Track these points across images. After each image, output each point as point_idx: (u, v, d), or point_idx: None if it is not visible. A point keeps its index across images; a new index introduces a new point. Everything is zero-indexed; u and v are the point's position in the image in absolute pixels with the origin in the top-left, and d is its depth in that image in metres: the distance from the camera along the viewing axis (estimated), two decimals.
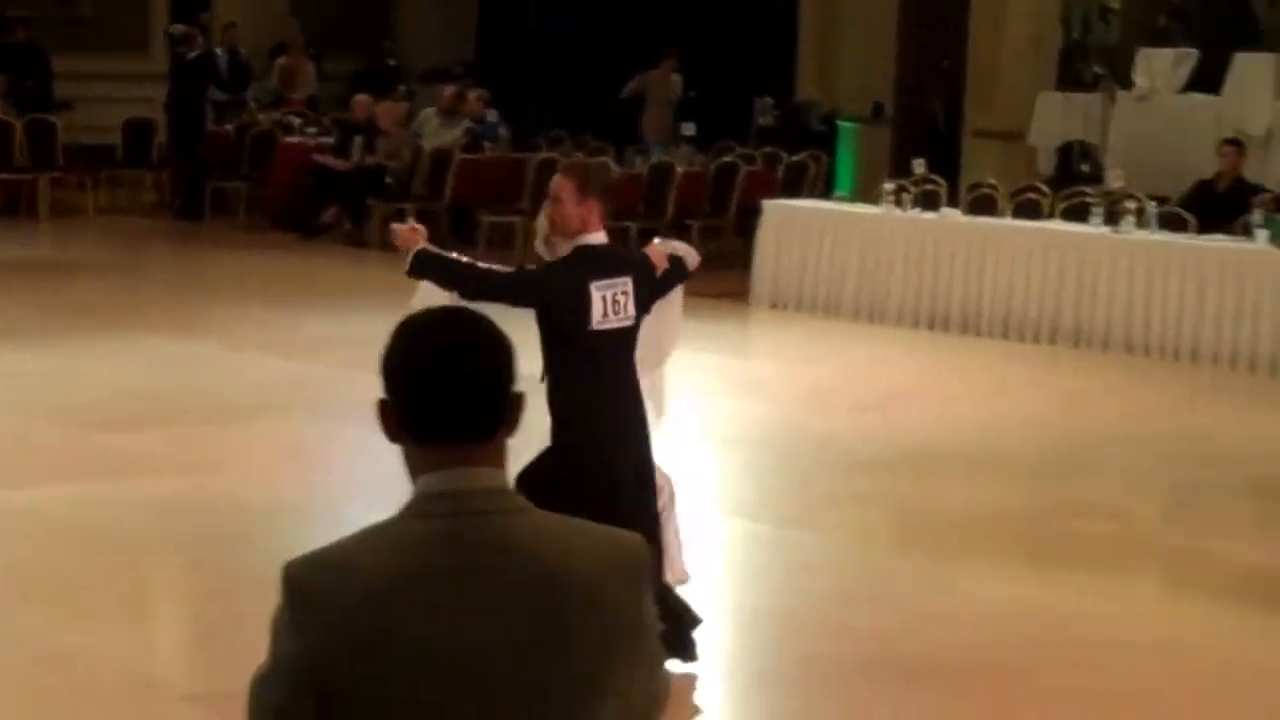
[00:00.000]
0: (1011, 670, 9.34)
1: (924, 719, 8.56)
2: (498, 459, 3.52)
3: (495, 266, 8.63)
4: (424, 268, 8.43)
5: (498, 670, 3.41)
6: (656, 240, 9.33)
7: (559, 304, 8.30)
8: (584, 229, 8.46)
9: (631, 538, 3.62)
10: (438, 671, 3.40)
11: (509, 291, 8.30)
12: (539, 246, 9.12)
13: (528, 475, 7.71)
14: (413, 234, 8.63)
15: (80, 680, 8.70)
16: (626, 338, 8.51)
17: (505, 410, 3.52)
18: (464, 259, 8.73)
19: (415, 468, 3.51)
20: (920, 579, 10.72)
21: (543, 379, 8.29)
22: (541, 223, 9.05)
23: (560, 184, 8.55)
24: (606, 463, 8.40)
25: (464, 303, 7.75)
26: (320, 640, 3.39)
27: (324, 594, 3.41)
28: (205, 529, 10.92)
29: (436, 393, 3.48)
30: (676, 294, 9.10)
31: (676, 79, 27.88)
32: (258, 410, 13.99)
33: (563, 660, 3.46)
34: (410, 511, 3.49)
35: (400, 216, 23.58)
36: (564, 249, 8.55)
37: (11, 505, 11.46)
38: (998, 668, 9.37)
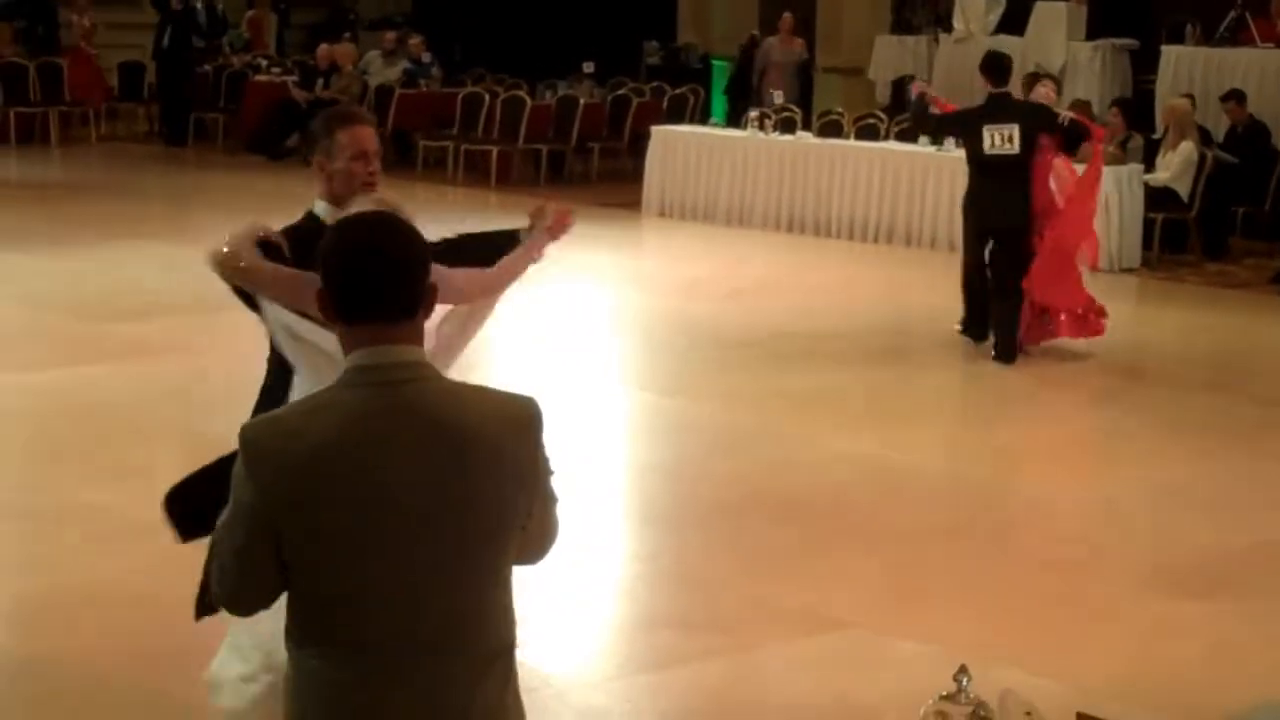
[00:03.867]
0: (850, 508, 9.48)
1: (780, 548, 8.66)
2: (416, 337, 3.53)
3: None
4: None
5: (418, 513, 3.44)
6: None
7: None
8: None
9: (525, 398, 3.64)
10: (365, 516, 3.42)
11: None
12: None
13: None
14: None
15: (97, 526, 8.75)
16: None
17: (421, 296, 3.54)
18: None
19: (347, 345, 3.52)
20: (778, 436, 10.84)
21: None
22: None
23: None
24: None
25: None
26: (269, 491, 3.41)
27: (272, 452, 3.43)
28: (195, 400, 10.96)
29: (361, 281, 3.49)
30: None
31: (799, 43, 24.64)
32: (236, 303, 13.94)
33: (472, 502, 3.49)
34: (343, 382, 3.50)
35: None
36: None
37: (35, 384, 11.48)
38: (839, 506, 9.50)
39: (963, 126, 13.56)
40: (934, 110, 14.20)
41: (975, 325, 13.30)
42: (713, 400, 11.66)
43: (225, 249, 5.28)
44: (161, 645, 7.01)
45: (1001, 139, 12.99)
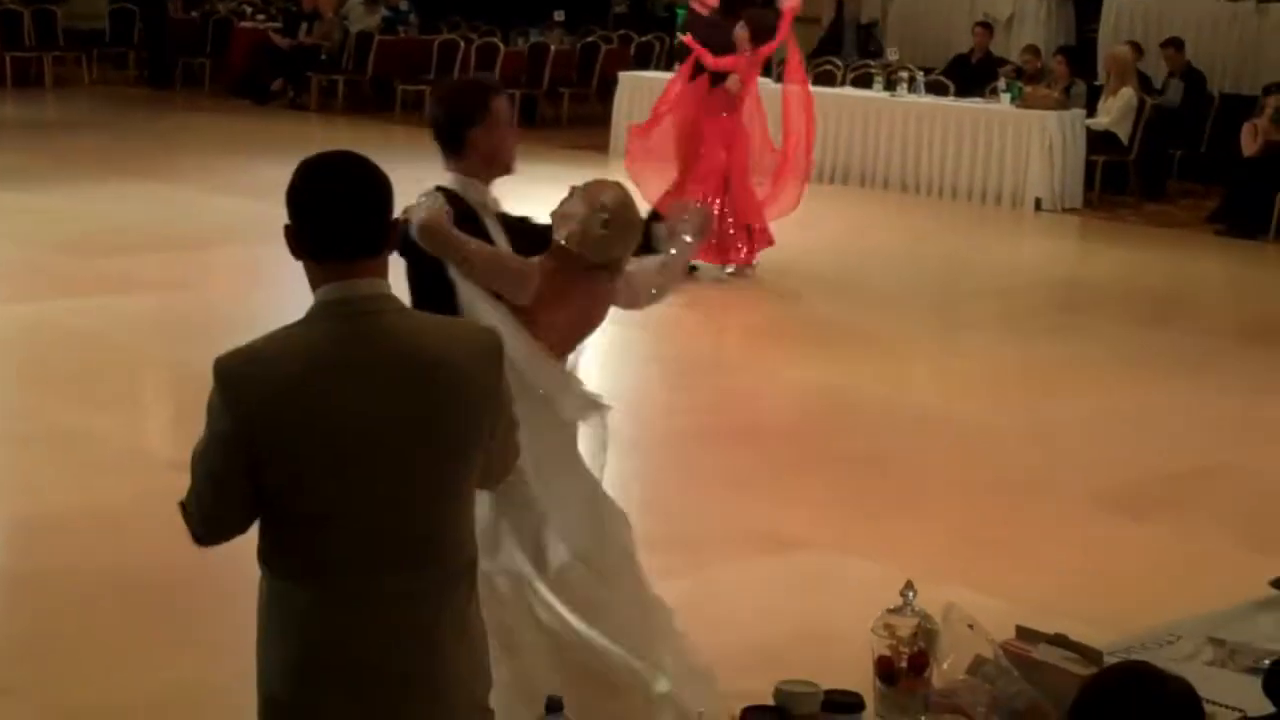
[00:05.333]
0: (806, 434, 9.49)
1: (737, 472, 8.66)
2: (381, 271, 3.51)
3: None
4: None
5: (385, 436, 3.44)
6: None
7: None
8: None
9: (487, 328, 3.66)
10: (335, 439, 3.42)
11: None
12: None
13: None
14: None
15: (87, 452, 8.74)
16: None
17: (386, 232, 3.52)
18: None
19: (315, 281, 3.49)
20: (736, 367, 10.85)
21: None
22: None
23: None
24: None
25: None
26: (244, 419, 3.39)
27: (246, 382, 3.41)
28: (180, 332, 10.92)
29: (327, 217, 3.47)
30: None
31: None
32: (221, 239, 13.91)
33: (436, 425, 3.49)
34: (312, 315, 3.49)
35: (334, 88, 23.60)
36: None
37: (28, 316, 11.42)
38: (795, 433, 9.52)
39: None
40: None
41: None
42: (675, 333, 11.64)
43: (426, 216, 4.80)
44: (148, 564, 7.02)
45: None
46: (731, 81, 13.11)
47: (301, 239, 3.49)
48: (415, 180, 3.92)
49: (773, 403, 10.04)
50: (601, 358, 11.18)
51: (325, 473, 3.44)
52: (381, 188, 3.53)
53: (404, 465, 3.48)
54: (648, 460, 8.93)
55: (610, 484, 8.63)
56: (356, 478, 3.45)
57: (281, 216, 3.47)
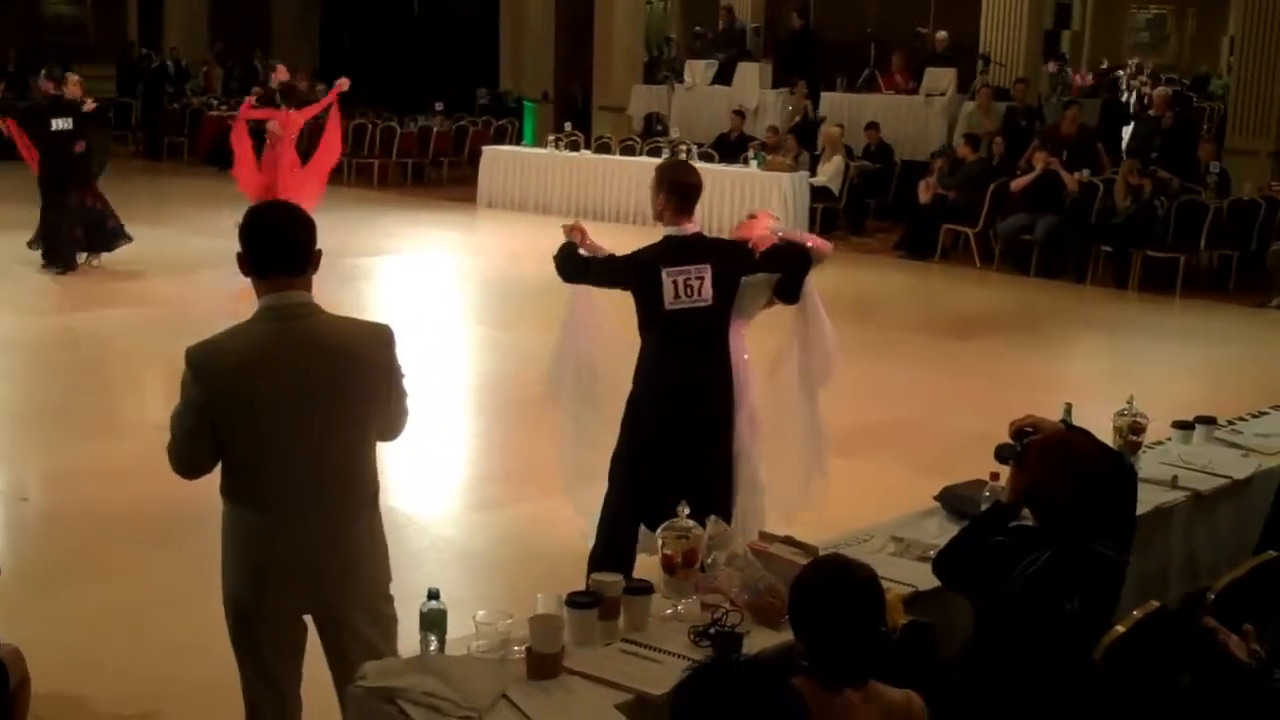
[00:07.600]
0: (618, 399, 9.47)
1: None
2: (307, 286, 3.54)
3: (609, 255, 5.82)
4: (562, 261, 5.85)
5: (308, 403, 3.47)
6: (770, 223, 5.96)
7: (637, 287, 5.65)
8: (662, 219, 5.76)
9: (383, 324, 3.66)
10: (273, 405, 3.45)
11: (596, 277, 5.80)
12: None
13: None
14: (575, 229, 5.91)
15: (97, 419, 8.58)
16: (702, 318, 5.63)
17: (308, 258, 3.54)
18: (589, 256, 5.87)
19: (259, 292, 3.54)
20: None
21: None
22: None
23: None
24: (652, 422, 5.76)
25: None
26: (208, 392, 3.43)
27: (209, 365, 3.45)
28: (169, 334, 10.66)
29: (265, 247, 3.51)
30: (820, 318, 6.26)
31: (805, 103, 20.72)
32: (200, 267, 13.60)
33: (344, 393, 3.51)
34: (256, 317, 3.53)
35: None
36: None
37: (56, 324, 11.19)
38: (614, 399, 9.50)
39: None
40: None
41: None
42: (527, 330, 11.61)
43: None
44: (146, 500, 6.91)
45: None
46: (272, 125, 13.99)
47: (248, 262, 3.53)
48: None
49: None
50: (477, 348, 11.13)
51: (265, 429, 3.45)
52: (304, 225, 3.56)
53: (321, 423, 3.49)
54: (507, 420, 8.89)
55: (481, 434, 8.57)
56: (288, 432, 3.46)
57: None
